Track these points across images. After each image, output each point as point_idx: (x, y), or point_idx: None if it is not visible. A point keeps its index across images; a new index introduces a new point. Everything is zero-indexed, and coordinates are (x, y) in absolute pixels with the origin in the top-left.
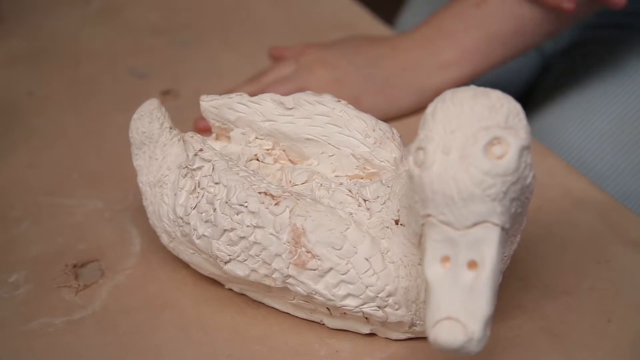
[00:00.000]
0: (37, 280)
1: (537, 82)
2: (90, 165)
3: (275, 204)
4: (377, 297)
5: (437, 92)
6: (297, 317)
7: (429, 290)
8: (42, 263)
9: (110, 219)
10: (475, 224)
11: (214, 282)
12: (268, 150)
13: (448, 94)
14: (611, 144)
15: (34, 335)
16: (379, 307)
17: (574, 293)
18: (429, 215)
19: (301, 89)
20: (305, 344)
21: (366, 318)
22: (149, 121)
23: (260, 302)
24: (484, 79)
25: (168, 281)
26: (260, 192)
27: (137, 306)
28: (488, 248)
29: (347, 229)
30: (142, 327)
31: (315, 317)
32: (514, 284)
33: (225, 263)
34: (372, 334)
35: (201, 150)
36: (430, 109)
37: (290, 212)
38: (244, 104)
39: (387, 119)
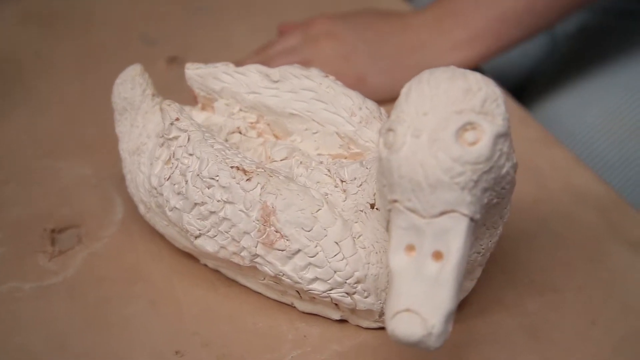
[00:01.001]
0: (13, 244)
1: (544, 66)
2: (85, 131)
3: (247, 180)
4: (346, 283)
5: None
6: (269, 298)
7: (391, 279)
8: (21, 226)
9: (96, 186)
10: (442, 213)
11: (190, 257)
12: (252, 123)
13: (425, 74)
14: (603, 137)
15: (1, 299)
16: (347, 293)
17: (560, 291)
18: (395, 201)
19: (305, 62)
20: (274, 326)
21: (336, 304)
22: (131, 87)
23: (233, 280)
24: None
25: (144, 252)
26: (232, 167)
27: (110, 276)
28: (454, 239)
29: (319, 210)
30: (112, 298)
31: (287, 300)
32: (499, 278)
33: (196, 238)
34: (343, 321)
35: (177, 119)
36: (405, 89)
37: (261, 189)
38: (229, 74)
39: (392, 99)
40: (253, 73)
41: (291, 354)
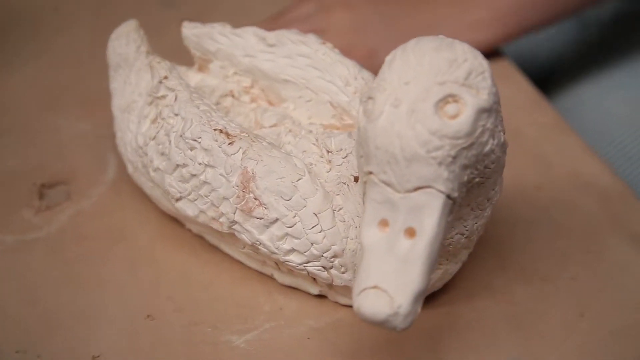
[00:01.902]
0: (1, 195)
1: (572, 52)
2: (91, 88)
3: (229, 144)
4: (322, 256)
5: None
6: (250, 267)
7: (362, 254)
8: (12, 178)
9: (92, 144)
10: (417, 188)
11: (176, 221)
12: (246, 87)
13: (411, 42)
14: (624, 126)
15: None
16: (323, 267)
17: (552, 281)
18: (370, 173)
19: (317, 31)
20: (251, 296)
21: (314, 278)
22: (125, 43)
23: (217, 247)
24: (516, 43)
25: (131, 213)
26: (215, 129)
27: (93, 235)
28: (428, 216)
29: (300, 179)
30: (91, 257)
31: (267, 270)
32: (490, 263)
33: (177, 200)
34: (322, 296)
35: (166, 77)
36: (390, 56)
37: (243, 153)
38: (225, 36)
39: None
40: (249, 35)
41: (264, 325)
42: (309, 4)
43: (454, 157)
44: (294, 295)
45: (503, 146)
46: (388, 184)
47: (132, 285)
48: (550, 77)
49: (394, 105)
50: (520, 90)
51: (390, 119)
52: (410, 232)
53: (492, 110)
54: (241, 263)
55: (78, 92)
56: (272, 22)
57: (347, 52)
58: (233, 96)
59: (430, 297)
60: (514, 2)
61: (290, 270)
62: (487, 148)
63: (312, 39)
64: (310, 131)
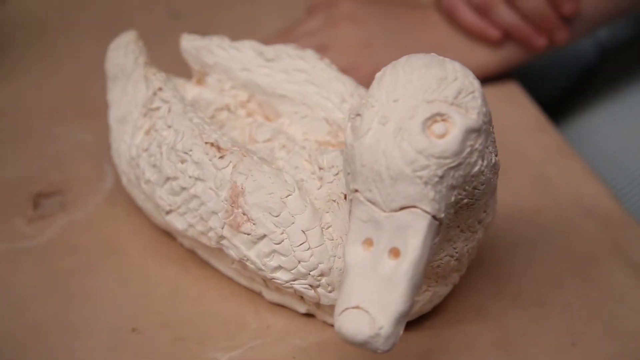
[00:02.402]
0: None
1: (589, 76)
2: (94, 98)
3: (220, 157)
4: (309, 274)
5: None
6: (239, 284)
7: (345, 273)
8: (8, 187)
9: (92, 154)
10: (402, 208)
11: (169, 235)
12: (242, 102)
13: (402, 59)
14: (635, 155)
15: None
16: (310, 285)
17: (546, 306)
18: (356, 191)
19: (324, 46)
20: (239, 313)
21: (301, 297)
22: (123, 54)
23: (207, 263)
24: (529, 67)
25: (124, 226)
26: (207, 143)
27: (85, 246)
28: (413, 237)
29: (289, 195)
30: (81, 268)
31: (255, 287)
32: (484, 288)
33: (167, 213)
34: (310, 315)
35: (160, 89)
36: (380, 72)
37: (233, 168)
38: (224, 49)
39: None
40: (247, 49)
41: (250, 343)
42: (317, 18)
43: (441, 177)
44: (282, 314)
45: (494, 167)
46: (373, 203)
47: (119, 298)
48: (562, 101)
49: (381, 122)
50: (526, 113)
51: (377, 136)
52: (395, 253)
53: (481, 130)
54: (231, 279)
55: (81, 102)
56: (282, 36)
57: (352, 68)
58: (229, 110)
59: (419, 320)
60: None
61: (278, 288)
62: (476, 169)
63: (310, 54)
64: (304, 147)
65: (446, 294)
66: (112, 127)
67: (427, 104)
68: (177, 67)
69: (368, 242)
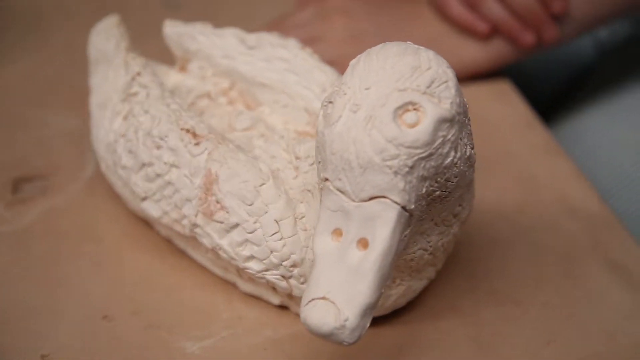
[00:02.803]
0: None
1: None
2: (84, 86)
3: (195, 144)
4: (281, 265)
5: (465, 70)
6: (214, 274)
7: (313, 263)
8: None
9: (77, 141)
10: (372, 198)
11: (146, 222)
12: (224, 89)
13: (377, 47)
14: (627, 154)
15: None
16: (282, 276)
17: (523, 305)
18: (326, 180)
19: (314, 39)
20: (212, 303)
21: (274, 288)
22: (105, 39)
23: (184, 252)
24: (526, 62)
25: (103, 213)
26: (183, 129)
27: (62, 232)
28: (381, 227)
29: (263, 184)
30: (56, 254)
31: (230, 277)
32: (460, 284)
33: (142, 200)
34: (284, 307)
35: (139, 74)
36: (354, 60)
37: (208, 155)
38: (206, 36)
39: None
40: (230, 37)
41: (221, 333)
42: (308, 10)
43: (411, 167)
44: (255, 305)
45: (469, 160)
46: (343, 192)
47: (93, 285)
48: (560, 100)
49: (353, 110)
50: (516, 111)
51: (348, 124)
52: (364, 243)
53: (454, 120)
54: (206, 269)
55: (70, 89)
56: (272, 28)
57: (340, 61)
58: (210, 97)
59: (393, 315)
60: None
61: (252, 279)
62: (449, 160)
63: (292, 43)
64: (282, 137)
65: (421, 288)
66: (92, 112)
67: (399, 92)
68: (169, 56)
69: (337, 233)
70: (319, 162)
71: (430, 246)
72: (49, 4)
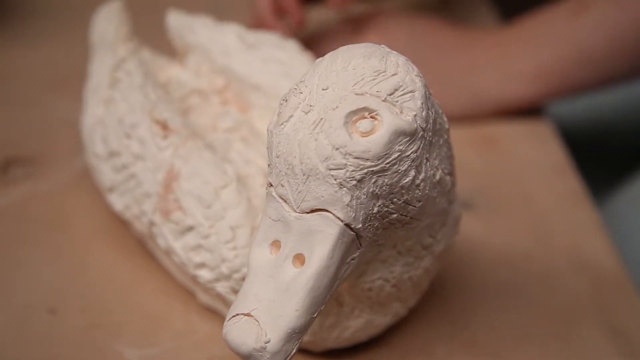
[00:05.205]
0: None
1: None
2: None
3: (164, 137)
4: (232, 277)
5: (497, 104)
6: (179, 281)
7: (247, 276)
8: None
9: (76, 129)
10: (314, 210)
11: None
12: (218, 87)
13: (345, 47)
14: None
15: None
16: (232, 289)
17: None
18: (270, 185)
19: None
20: (167, 311)
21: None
22: (105, 23)
23: (152, 254)
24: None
25: (81, 205)
26: (154, 120)
27: (33, 217)
28: (320, 244)
29: (225, 187)
30: (19, 239)
31: (191, 287)
32: (438, 328)
33: (108, 191)
34: None
35: (124, 60)
36: (320, 59)
37: (174, 149)
38: (207, 30)
39: None
40: (230, 33)
41: (166, 344)
42: (346, 24)
43: (359, 181)
44: (211, 319)
45: (440, 186)
46: (285, 200)
47: (46, 275)
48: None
49: (305, 111)
50: (549, 155)
51: (297, 125)
52: (301, 260)
53: (416, 136)
54: (171, 275)
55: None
56: (309, 39)
57: None
58: (202, 95)
59: (354, 350)
60: (561, 58)
61: (205, 289)
62: (407, 180)
63: (291, 45)
64: (264, 142)
65: (386, 324)
66: (84, 98)
67: (355, 96)
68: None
69: (276, 245)
70: (269, 165)
71: (394, 278)
72: None
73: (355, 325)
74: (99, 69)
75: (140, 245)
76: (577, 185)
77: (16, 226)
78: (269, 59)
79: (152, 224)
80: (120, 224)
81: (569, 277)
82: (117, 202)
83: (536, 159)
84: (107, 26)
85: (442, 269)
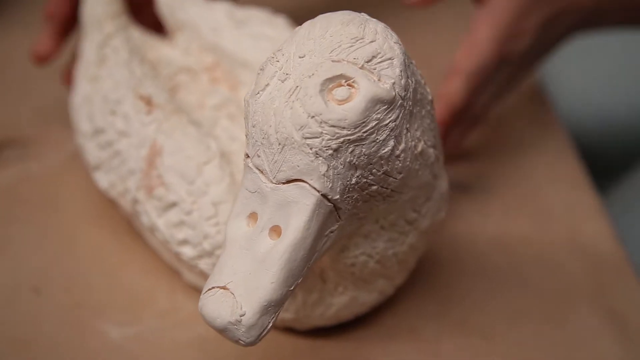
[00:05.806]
0: None
1: None
2: None
3: (147, 113)
4: (214, 253)
5: None
6: (164, 261)
7: (223, 249)
8: None
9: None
10: (290, 181)
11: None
12: (207, 65)
13: (324, 14)
14: None
15: None
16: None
17: (492, 341)
18: (247, 156)
19: None
20: (152, 290)
21: None
22: (97, 2)
23: (140, 234)
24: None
25: (72, 186)
26: (138, 96)
27: (26, 199)
28: (296, 215)
29: (208, 163)
30: (7, 217)
31: (176, 266)
32: (426, 308)
33: (93, 169)
34: None
35: (110, 36)
36: (298, 27)
37: (157, 125)
38: (197, 6)
39: None
40: (219, 11)
41: (150, 323)
42: None
43: (335, 150)
44: (196, 297)
45: (422, 158)
46: (261, 171)
47: (32, 254)
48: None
49: (281, 79)
50: (549, 137)
51: (273, 94)
52: (277, 232)
53: (395, 104)
54: (157, 254)
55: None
56: None
57: None
58: (191, 73)
59: (339, 328)
60: None
61: (189, 267)
62: (386, 150)
63: (281, 22)
64: None
65: (372, 302)
66: (75, 78)
67: (331, 63)
68: None
69: (253, 217)
70: (246, 135)
71: (377, 253)
72: None
73: (340, 302)
74: (88, 47)
75: (128, 226)
76: (577, 168)
77: (6, 207)
78: (258, 35)
79: (135, 201)
80: (110, 204)
81: (565, 259)
82: (103, 180)
83: (535, 142)
84: (98, 5)
85: (435, 250)
